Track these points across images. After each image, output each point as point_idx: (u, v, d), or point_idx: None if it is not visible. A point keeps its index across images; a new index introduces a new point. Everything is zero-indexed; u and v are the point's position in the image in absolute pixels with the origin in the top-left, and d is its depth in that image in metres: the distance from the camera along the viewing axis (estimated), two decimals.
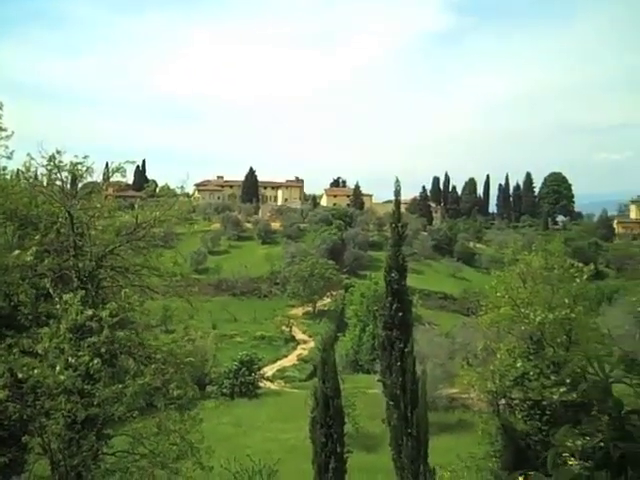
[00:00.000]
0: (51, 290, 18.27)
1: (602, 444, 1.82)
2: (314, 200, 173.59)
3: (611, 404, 1.80)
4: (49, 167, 19.28)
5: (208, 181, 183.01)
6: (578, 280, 39.81)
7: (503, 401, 38.16)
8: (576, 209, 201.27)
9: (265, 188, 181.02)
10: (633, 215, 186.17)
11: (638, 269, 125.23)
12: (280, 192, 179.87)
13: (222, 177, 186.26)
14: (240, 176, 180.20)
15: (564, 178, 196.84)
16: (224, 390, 61.28)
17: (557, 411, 21.04)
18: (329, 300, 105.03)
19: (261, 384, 64.64)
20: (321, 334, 68.82)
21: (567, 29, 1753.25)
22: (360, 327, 78.73)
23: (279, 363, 79.43)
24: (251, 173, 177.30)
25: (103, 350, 16.76)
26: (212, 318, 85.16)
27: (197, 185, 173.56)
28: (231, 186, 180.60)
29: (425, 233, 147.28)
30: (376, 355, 43.26)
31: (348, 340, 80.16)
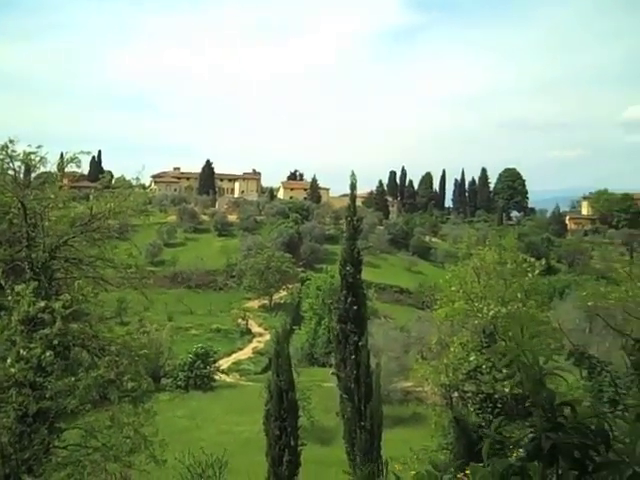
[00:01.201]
0: (2, 281, 18.03)
1: (534, 435, 1.90)
2: (271, 193, 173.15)
3: (544, 396, 1.87)
4: (1, 156, 19.00)
5: (165, 173, 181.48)
6: (530, 275, 40.56)
7: (456, 394, 38.61)
8: (530, 205, 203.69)
9: (222, 180, 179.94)
10: (584, 211, 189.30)
11: (589, 264, 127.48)
12: (237, 184, 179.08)
13: (179, 169, 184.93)
14: (197, 168, 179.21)
15: (518, 174, 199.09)
16: (179, 383, 61.11)
17: (508, 404, 21.34)
18: (285, 293, 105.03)
19: (216, 377, 64.50)
20: (277, 327, 68.90)
21: (522, 27, 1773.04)
22: (316, 320, 78.92)
23: (234, 356, 79.23)
24: (208, 165, 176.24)
25: (56, 342, 16.60)
26: (167, 310, 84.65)
27: (153, 177, 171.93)
28: (188, 178, 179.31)
29: (381, 227, 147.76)
30: (331, 348, 43.47)
31: (304, 333, 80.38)
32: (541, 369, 2.16)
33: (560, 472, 2.10)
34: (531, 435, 2.12)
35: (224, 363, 72.46)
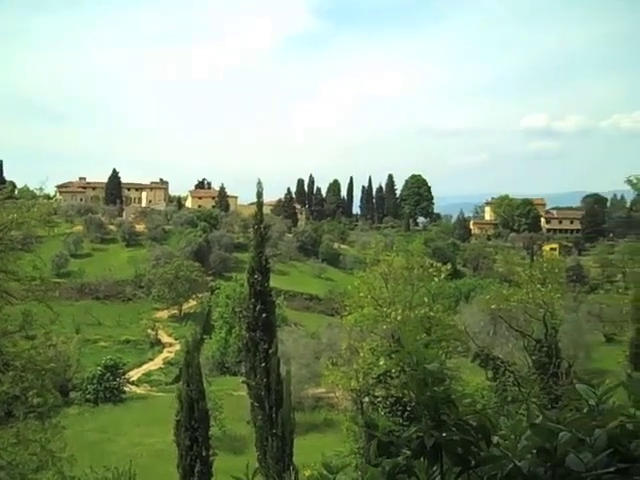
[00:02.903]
0: None
1: (418, 434, 1.99)
2: (179, 202, 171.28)
3: (428, 396, 1.96)
4: None
5: (70, 183, 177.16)
6: (437, 279, 41.48)
7: (367, 399, 39.07)
8: (435, 210, 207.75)
9: (129, 190, 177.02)
10: (487, 216, 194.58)
11: (492, 268, 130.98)
12: (144, 194, 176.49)
13: (84, 178, 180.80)
14: (103, 178, 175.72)
15: (424, 180, 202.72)
16: (88, 396, 60.22)
17: (416, 407, 21.70)
18: (195, 303, 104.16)
19: (126, 389, 63.81)
20: (187, 337, 68.30)
21: (429, 34, 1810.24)
22: (226, 329, 78.69)
23: (145, 367, 78.47)
24: (114, 174, 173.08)
25: None
26: (75, 323, 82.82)
27: (58, 187, 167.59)
28: (94, 188, 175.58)
29: (290, 234, 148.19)
30: (242, 357, 43.34)
31: (214, 342, 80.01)
32: (425, 370, 2.26)
33: (444, 468, 2.20)
34: (416, 434, 2.22)
35: (134, 374, 71.70)
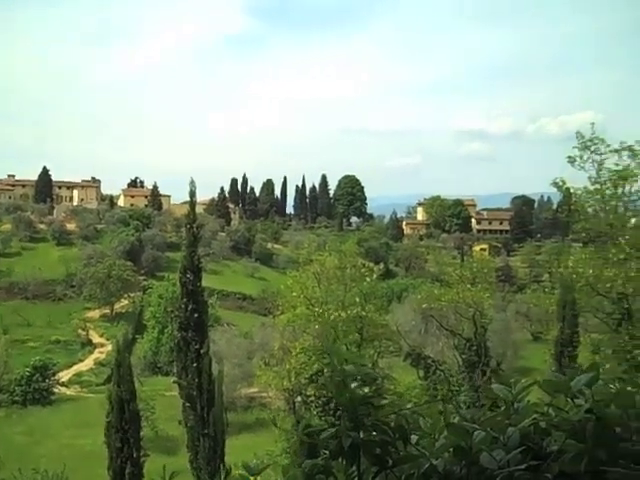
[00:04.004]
0: None
1: (336, 434, 2.02)
2: (111, 200, 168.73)
3: (347, 396, 1.99)
4: None
5: None
6: (369, 279, 41.82)
7: (299, 398, 39.18)
8: (369, 211, 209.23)
9: (60, 188, 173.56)
10: (420, 217, 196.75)
11: (424, 268, 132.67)
12: (76, 192, 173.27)
13: (13, 176, 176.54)
14: (33, 175, 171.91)
15: (357, 180, 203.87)
16: (16, 398, 59.14)
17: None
18: (127, 302, 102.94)
19: (56, 390, 62.81)
20: (118, 337, 67.52)
21: (361, 36, 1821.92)
22: (159, 329, 78.26)
23: (75, 368, 77.32)
24: (45, 172, 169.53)
25: None
26: (3, 323, 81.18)
27: None
28: (23, 185, 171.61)
29: (223, 234, 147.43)
30: (174, 357, 42.97)
31: (146, 342, 79.41)
32: (343, 371, 2.30)
33: (362, 468, 2.25)
34: (334, 435, 2.26)
35: (64, 375, 70.66)
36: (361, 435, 2.24)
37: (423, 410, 2.54)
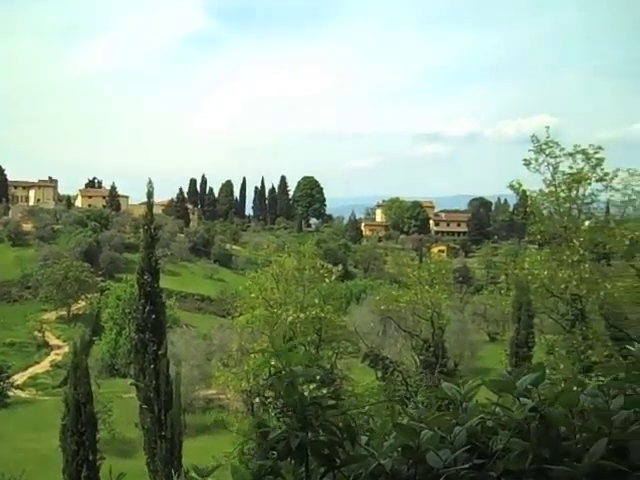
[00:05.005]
0: None
1: (285, 435, 2.03)
2: (68, 201, 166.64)
3: (295, 398, 2.00)
4: None
5: None
6: (328, 280, 41.90)
7: (257, 400, 39.10)
8: (328, 212, 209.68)
9: (16, 188, 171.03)
10: (378, 218, 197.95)
11: (383, 269, 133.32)
12: (32, 192, 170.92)
13: None
14: None
15: (316, 182, 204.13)
16: None
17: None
18: (84, 304, 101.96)
19: (10, 393, 61.98)
20: (75, 339, 66.93)
21: (322, 38, 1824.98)
22: (116, 330, 77.72)
23: (31, 370, 76.73)
24: (0, 172, 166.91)
25: None
26: None
27: None
28: None
29: (182, 235, 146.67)
30: (132, 359, 42.69)
31: (104, 344, 78.73)
32: (292, 372, 2.32)
33: (311, 468, 2.27)
34: (282, 435, 2.28)
35: (19, 378, 70.07)
36: (309, 435, 2.26)
37: (375, 411, 2.57)
